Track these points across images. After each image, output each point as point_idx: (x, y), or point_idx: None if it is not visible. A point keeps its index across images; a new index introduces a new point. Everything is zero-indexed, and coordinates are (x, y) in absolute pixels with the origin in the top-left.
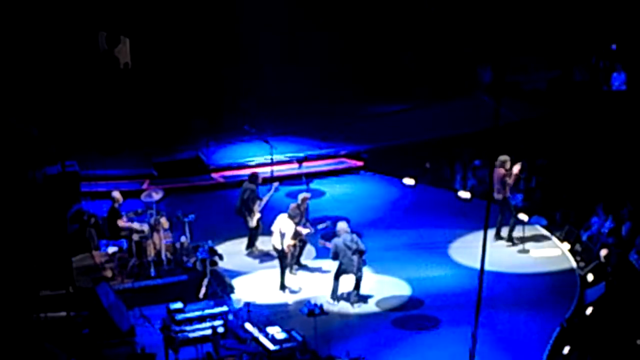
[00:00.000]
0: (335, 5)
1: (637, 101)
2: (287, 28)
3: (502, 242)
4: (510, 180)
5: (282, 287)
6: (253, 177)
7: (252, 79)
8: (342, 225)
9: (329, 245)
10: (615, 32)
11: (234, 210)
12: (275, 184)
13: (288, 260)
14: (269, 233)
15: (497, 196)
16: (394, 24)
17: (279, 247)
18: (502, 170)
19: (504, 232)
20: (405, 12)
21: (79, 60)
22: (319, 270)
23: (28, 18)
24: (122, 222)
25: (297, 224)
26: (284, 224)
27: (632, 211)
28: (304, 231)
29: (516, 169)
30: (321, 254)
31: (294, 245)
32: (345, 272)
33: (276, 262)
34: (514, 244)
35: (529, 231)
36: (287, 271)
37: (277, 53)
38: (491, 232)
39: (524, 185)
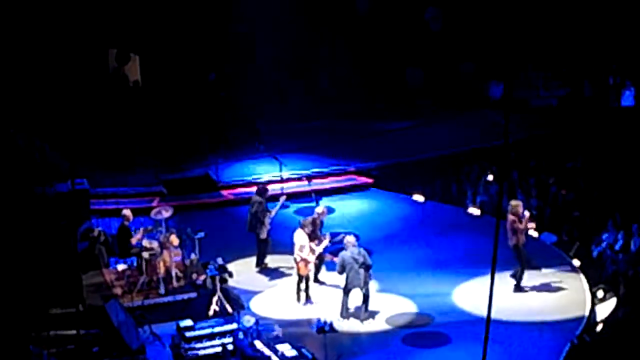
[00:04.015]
0: (342, 22)
1: None
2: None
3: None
4: (521, 226)
5: (298, 298)
6: (261, 189)
7: (261, 96)
8: (349, 239)
9: (336, 259)
10: (624, 49)
11: (246, 226)
12: (283, 198)
13: (300, 272)
14: (279, 251)
15: (509, 242)
16: (400, 41)
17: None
18: (511, 216)
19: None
20: (410, 28)
21: (89, 77)
22: (328, 286)
23: (39, 36)
24: (136, 239)
25: (311, 239)
26: (296, 235)
27: None
28: (319, 248)
29: (527, 213)
30: (330, 268)
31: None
32: (352, 286)
33: (285, 280)
34: (522, 291)
35: (539, 249)
36: (303, 284)
37: (285, 69)
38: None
39: (535, 202)
